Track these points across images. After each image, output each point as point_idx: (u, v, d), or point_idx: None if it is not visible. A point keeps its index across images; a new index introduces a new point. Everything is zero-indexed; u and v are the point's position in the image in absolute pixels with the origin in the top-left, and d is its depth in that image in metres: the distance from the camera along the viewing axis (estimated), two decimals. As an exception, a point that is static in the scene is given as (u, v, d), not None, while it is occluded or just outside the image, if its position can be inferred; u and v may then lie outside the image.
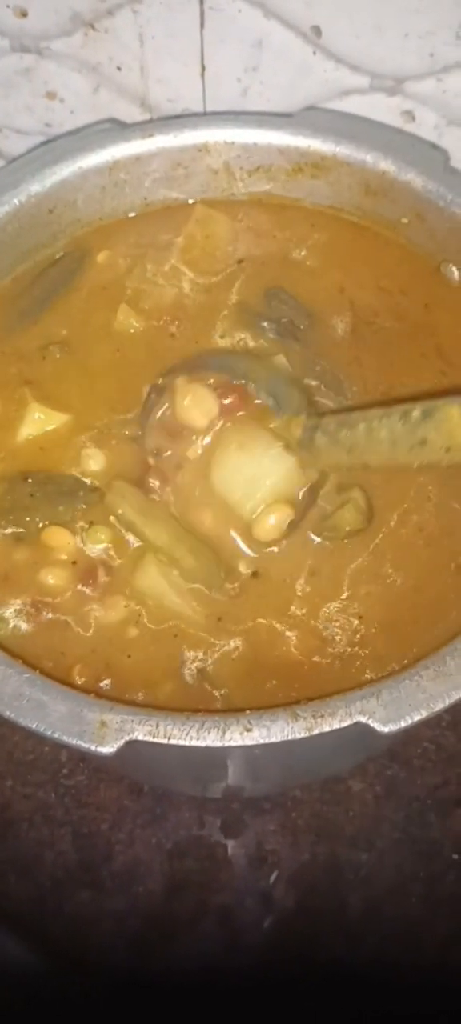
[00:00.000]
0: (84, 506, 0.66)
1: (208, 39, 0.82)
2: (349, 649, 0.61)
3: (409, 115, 0.83)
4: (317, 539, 0.65)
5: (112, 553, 0.65)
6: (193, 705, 0.58)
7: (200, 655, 0.61)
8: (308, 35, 0.80)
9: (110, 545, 0.65)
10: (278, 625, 0.62)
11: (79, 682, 0.60)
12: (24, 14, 0.82)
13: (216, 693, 0.60)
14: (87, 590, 0.64)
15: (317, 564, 0.64)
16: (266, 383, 0.69)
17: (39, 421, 0.70)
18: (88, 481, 0.68)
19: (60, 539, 0.65)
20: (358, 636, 0.61)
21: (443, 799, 0.76)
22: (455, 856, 0.74)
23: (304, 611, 0.63)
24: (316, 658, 0.61)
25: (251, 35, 0.81)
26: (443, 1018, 0.69)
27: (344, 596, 0.63)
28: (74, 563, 0.65)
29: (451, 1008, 0.69)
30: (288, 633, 0.62)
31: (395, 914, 0.73)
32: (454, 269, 0.76)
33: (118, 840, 0.75)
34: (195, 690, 0.60)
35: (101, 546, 0.65)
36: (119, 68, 0.85)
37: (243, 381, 0.68)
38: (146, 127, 0.81)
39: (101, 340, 0.75)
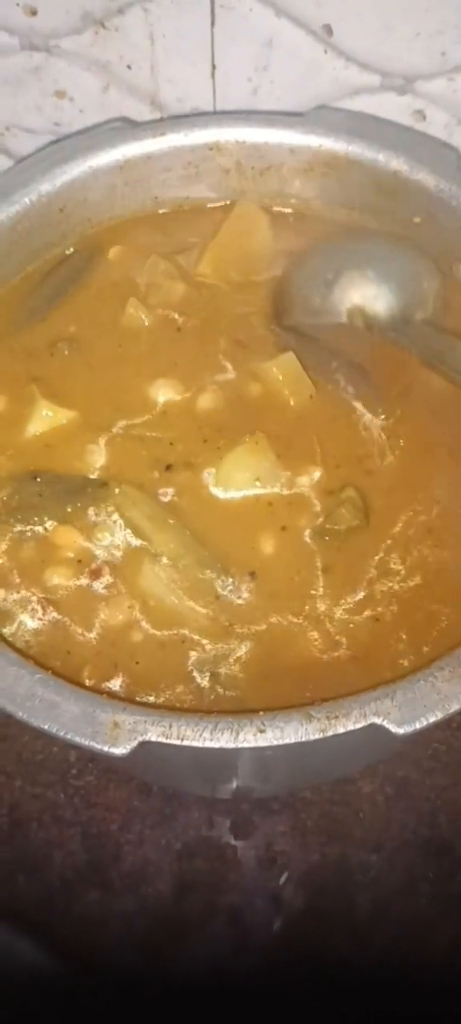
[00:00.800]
0: (93, 507, 0.66)
1: (219, 38, 0.81)
2: (361, 650, 0.61)
3: (420, 114, 0.83)
4: (315, 539, 0.65)
5: (117, 553, 0.65)
6: (204, 708, 0.58)
7: (210, 659, 0.61)
8: (319, 34, 0.79)
9: (116, 545, 0.65)
10: (289, 625, 0.62)
11: (88, 683, 0.60)
12: (34, 12, 0.82)
13: (227, 694, 0.60)
14: (93, 588, 0.64)
15: (324, 562, 0.64)
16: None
17: (46, 418, 0.70)
18: (95, 477, 0.68)
19: (67, 538, 0.65)
20: (371, 636, 0.61)
21: (453, 800, 0.75)
22: (465, 857, 0.74)
23: (314, 610, 0.63)
24: (326, 657, 0.61)
25: (262, 34, 0.81)
26: (451, 1019, 0.69)
27: (357, 596, 0.63)
28: (79, 562, 0.65)
29: (459, 1008, 0.69)
30: (299, 634, 0.62)
31: (404, 915, 0.72)
32: (466, 270, 0.76)
33: (127, 840, 0.75)
34: (206, 693, 0.60)
35: (106, 543, 0.65)
36: (129, 67, 0.84)
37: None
38: (157, 126, 0.82)
39: (109, 336, 0.75)
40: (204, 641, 0.62)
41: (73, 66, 0.85)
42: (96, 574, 0.64)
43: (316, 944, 0.72)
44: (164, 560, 0.64)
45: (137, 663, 0.61)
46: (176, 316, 0.76)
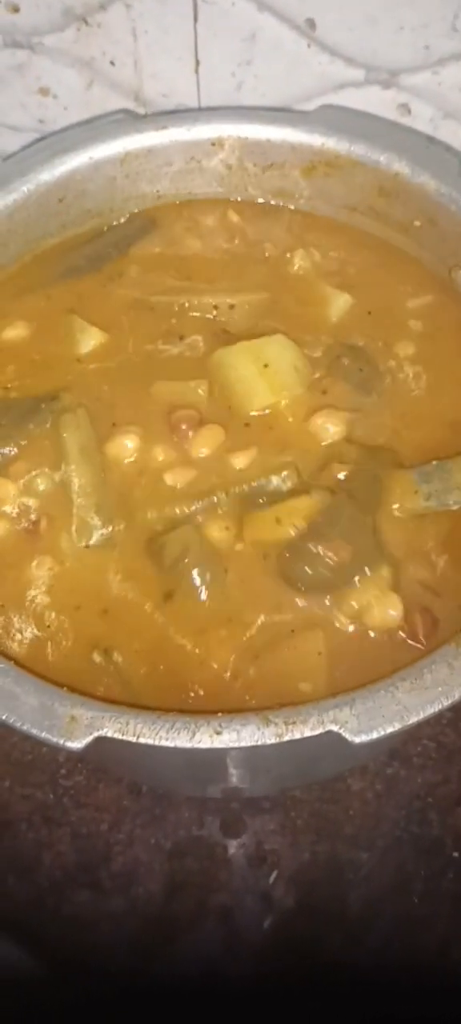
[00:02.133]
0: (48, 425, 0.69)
1: (202, 33, 0.81)
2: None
3: (405, 108, 0.83)
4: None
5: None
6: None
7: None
8: (302, 28, 0.79)
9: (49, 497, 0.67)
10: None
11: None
12: (16, 9, 0.81)
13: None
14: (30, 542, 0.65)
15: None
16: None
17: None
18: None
19: (2, 490, 0.67)
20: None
21: (444, 797, 0.75)
22: (456, 854, 0.74)
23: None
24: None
25: (245, 29, 0.80)
26: (444, 1018, 0.69)
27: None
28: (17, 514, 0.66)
29: (452, 1007, 0.69)
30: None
31: (396, 913, 0.72)
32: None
33: (117, 841, 0.75)
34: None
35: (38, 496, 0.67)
36: (112, 63, 0.84)
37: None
38: (159, 119, 0.82)
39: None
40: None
41: (56, 63, 0.85)
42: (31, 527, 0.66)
43: (307, 942, 0.72)
44: (73, 493, 0.66)
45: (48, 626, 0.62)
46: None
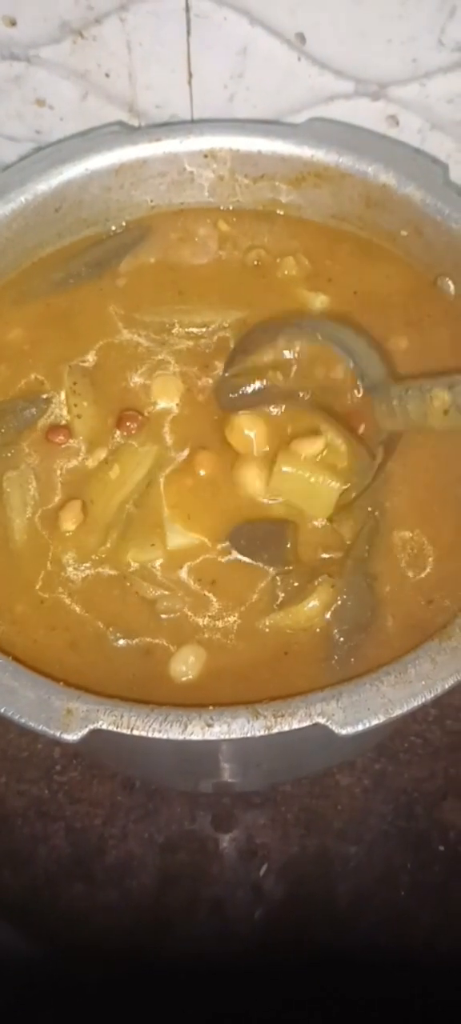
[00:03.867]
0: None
1: (195, 46, 0.83)
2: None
3: (393, 119, 0.85)
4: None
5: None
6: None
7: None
8: (292, 42, 0.81)
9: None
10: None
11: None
12: (13, 23, 0.83)
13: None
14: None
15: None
16: (350, 348, 0.70)
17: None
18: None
19: None
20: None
21: (430, 792, 0.77)
22: (441, 847, 0.75)
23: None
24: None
25: (237, 42, 0.82)
26: (431, 1005, 0.70)
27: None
28: None
29: (438, 993, 0.70)
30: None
31: (383, 904, 0.74)
32: (450, 283, 0.77)
33: (111, 835, 0.76)
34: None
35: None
36: (107, 75, 0.86)
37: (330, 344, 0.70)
38: (153, 131, 0.83)
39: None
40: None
41: (53, 75, 0.86)
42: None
43: (297, 933, 0.73)
44: None
45: None
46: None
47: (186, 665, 0.61)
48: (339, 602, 0.62)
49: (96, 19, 0.82)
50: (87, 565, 0.65)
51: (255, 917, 0.73)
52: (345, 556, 0.64)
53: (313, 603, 0.62)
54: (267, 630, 0.63)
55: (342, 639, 0.61)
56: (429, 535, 0.66)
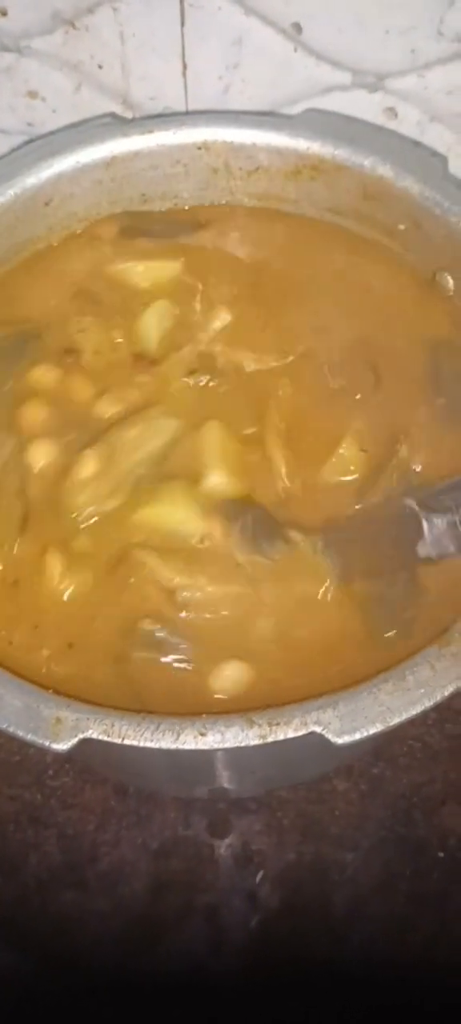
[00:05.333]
0: None
1: (189, 37, 0.81)
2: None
3: (391, 111, 0.83)
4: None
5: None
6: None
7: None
8: (288, 32, 0.79)
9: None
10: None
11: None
12: (4, 13, 0.82)
13: None
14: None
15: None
16: None
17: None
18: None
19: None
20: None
21: (428, 797, 0.76)
22: (441, 854, 0.74)
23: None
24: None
25: (231, 32, 0.81)
26: (429, 1013, 0.69)
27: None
28: None
29: (437, 1002, 0.69)
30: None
31: (381, 912, 0.73)
32: (449, 278, 0.76)
33: (103, 841, 0.75)
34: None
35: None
36: (100, 66, 0.84)
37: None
38: (145, 123, 0.81)
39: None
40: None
41: (45, 66, 0.85)
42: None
43: (293, 942, 0.72)
44: None
45: None
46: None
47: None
48: None
49: (88, 9, 0.81)
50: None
51: (251, 925, 0.72)
52: None
53: None
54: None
55: None
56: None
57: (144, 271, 0.78)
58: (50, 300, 0.77)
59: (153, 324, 0.75)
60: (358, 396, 0.70)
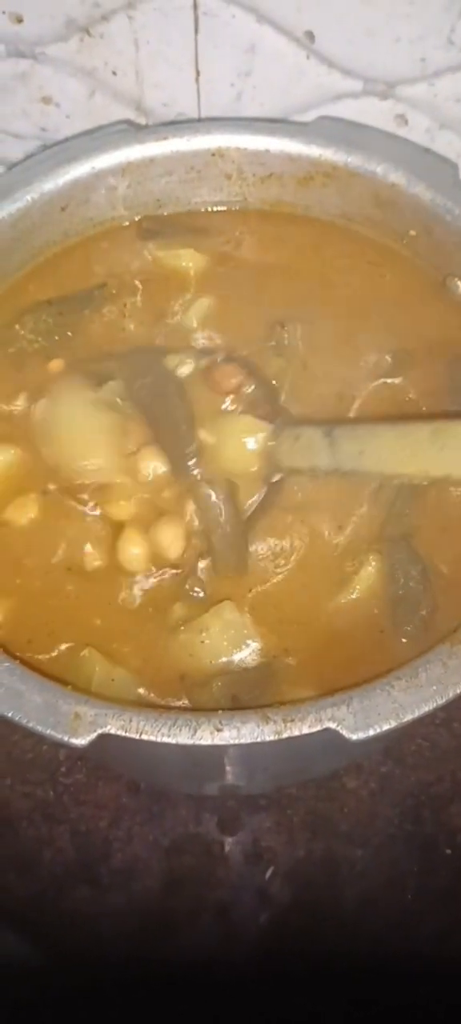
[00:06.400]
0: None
1: (202, 44, 0.82)
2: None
3: (402, 119, 0.84)
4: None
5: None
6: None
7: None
8: (301, 40, 0.80)
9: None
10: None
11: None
12: (19, 20, 0.82)
13: None
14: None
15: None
16: None
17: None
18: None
19: None
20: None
21: (437, 795, 0.77)
22: (448, 851, 0.75)
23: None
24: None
25: (244, 40, 0.81)
26: (438, 1009, 0.70)
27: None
28: None
29: (446, 999, 0.70)
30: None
31: (390, 908, 0.73)
32: (459, 283, 0.77)
33: (116, 838, 0.76)
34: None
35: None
36: (114, 73, 0.85)
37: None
38: (160, 130, 0.83)
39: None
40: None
41: (59, 72, 0.86)
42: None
43: (303, 937, 0.73)
44: None
45: None
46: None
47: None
48: None
49: (103, 16, 0.81)
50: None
51: (261, 922, 0.73)
52: None
53: None
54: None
55: None
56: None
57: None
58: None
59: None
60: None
